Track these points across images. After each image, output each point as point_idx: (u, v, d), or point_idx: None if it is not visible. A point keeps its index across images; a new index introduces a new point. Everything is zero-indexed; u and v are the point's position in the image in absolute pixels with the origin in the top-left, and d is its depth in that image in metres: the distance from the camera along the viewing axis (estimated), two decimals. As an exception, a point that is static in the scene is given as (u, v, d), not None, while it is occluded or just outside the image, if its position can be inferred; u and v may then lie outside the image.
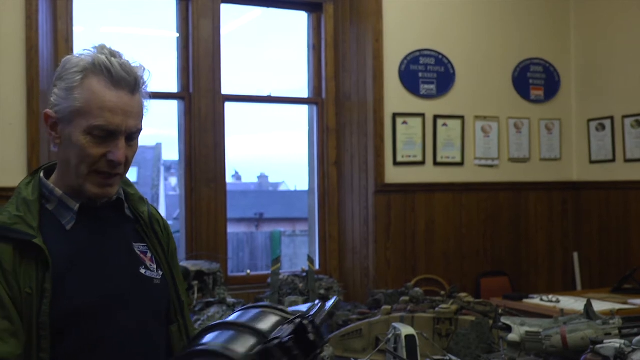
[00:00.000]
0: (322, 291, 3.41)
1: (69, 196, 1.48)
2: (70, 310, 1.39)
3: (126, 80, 1.45)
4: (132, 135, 1.47)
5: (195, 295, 3.25)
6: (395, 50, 4.33)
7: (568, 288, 4.73)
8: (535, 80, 4.77)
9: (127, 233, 1.55)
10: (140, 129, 1.49)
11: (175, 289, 1.59)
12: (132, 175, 20.53)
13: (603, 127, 4.65)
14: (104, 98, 1.43)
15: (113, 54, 1.47)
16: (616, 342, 1.79)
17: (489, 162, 4.61)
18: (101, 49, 1.48)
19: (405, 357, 2.00)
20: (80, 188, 1.47)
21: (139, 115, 1.49)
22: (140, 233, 1.58)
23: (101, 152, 1.44)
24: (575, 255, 4.81)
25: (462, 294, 2.91)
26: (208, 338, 1.27)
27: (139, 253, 1.55)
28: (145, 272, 1.53)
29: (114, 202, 1.55)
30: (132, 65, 1.47)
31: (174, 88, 4.20)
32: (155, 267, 1.56)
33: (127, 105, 1.45)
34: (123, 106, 1.45)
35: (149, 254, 1.56)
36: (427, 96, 4.43)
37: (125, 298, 1.47)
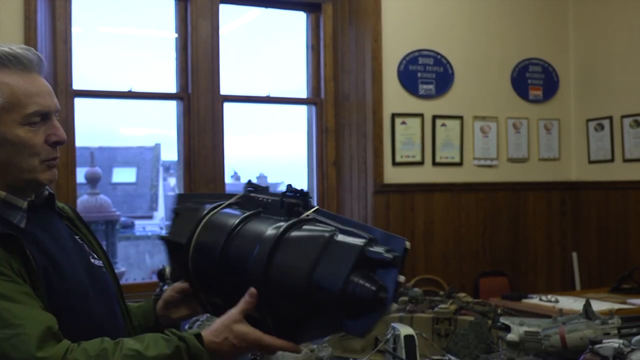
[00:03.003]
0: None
1: (14, 195, 1.42)
2: (64, 304, 1.38)
3: (33, 63, 1.43)
4: (57, 113, 1.47)
5: (194, 296, 3.25)
6: (394, 51, 4.33)
7: (567, 288, 4.73)
8: (534, 80, 4.77)
9: (63, 226, 1.55)
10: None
11: (114, 275, 1.62)
12: (130, 175, 20.56)
13: (602, 127, 4.65)
14: (26, 85, 1.40)
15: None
16: (615, 342, 1.79)
17: (488, 162, 4.61)
18: None
19: (404, 357, 2.00)
20: (29, 181, 1.43)
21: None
22: (70, 226, 1.58)
23: (42, 138, 1.42)
24: (574, 255, 4.81)
25: (461, 294, 2.90)
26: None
27: (82, 244, 1.56)
28: (95, 262, 1.55)
29: (46, 198, 1.53)
30: (27, 47, 1.45)
31: (172, 88, 4.20)
32: (96, 256, 1.58)
33: (45, 85, 1.45)
34: (43, 87, 1.44)
35: (85, 246, 1.57)
36: (426, 96, 4.43)
37: (94, 287, 1.48)
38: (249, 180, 1.50)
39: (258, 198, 1.46)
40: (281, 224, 1.35)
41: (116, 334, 1.48)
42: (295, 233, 1.32)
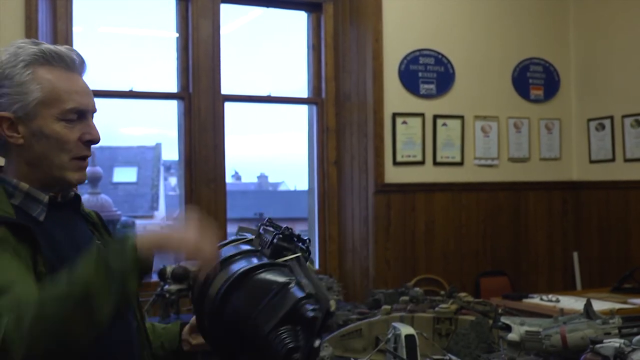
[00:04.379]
0: (322, 291, 3.40)
1: (37, 189, 1.44)
2: None
3: (76, 63, 1.46)
4: (93, 115, 1.49)
5: (195, 296, 3.25)
6: (394, 50, 4.33)
7: (568, 287, 4.73)
8: (535, 79, 4.77)
9: (86, 230, 1.55)
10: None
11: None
12: (131, 175, 20.60)
13: (603, 126, 4.65)
14: (67, 82, 1.43)
15: (42, 43, 1.45)
16: (616, 342, 1.79)
17: (489, 162, 4.61)
18: (32, 42, 1.45)
19: (405, 357, 2.00)
20: (59, 179, 1.45)
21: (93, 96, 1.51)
22: (93, 231, 1.58)
23: (76, 135, 1.44)
24: (575, 254, 4.81)
25: (462, 294, 2.90)
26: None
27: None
28: None
29: (71, 199, 1.53)
30: (70, 48, 1.48)
31: (173, 88, 4.21)
32: None
33: (85, 86, 1.48)
34: (84, 87, 1.47)
35: None
36: (427, 96, 4.43)
37: None
38: (268, 218, 1.47)
39: (264, 237, 1.43)
40: (245, 265, 1.34)
41: (124, 335, 1.48)
42: (260, 276, 1.31)
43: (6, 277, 1.24)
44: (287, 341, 1.21)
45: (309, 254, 1.39)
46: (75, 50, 1.48)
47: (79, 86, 1.46)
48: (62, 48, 1.46)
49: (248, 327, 1.27)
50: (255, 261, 1.36)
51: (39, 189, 1.44)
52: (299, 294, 1.24)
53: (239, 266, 1.35)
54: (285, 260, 1.34)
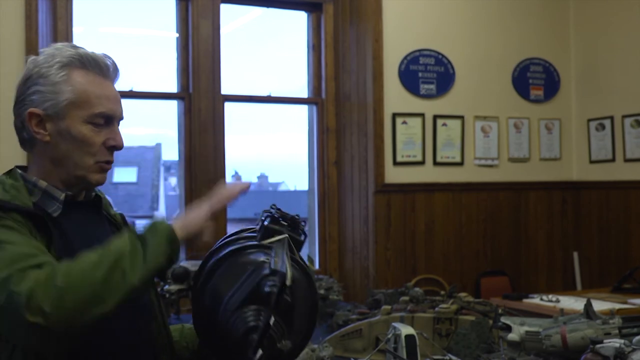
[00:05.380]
0: (322, 291, 3.41)
1: (55, 187, 1.47)
2: None
3: (109, 69, 1.50)
4: (119, 122, 1.52)
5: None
6: (394, 50, 4.34)
7: (568, 288, 4.73)
8: (535, 80, 4.77)
9: (106, 230, 1.56)
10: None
11: (153, 287, 1.59)
12: (131, 175, 20.58)
13: (603, 126, 4.65)
14: (98, 87, 1.47)
15: (80, 48, 1.50)
16: (616, 342, 1.79)
17: (489, 162, 4.61)
18: (70, 45, 1.51)
19: (405, 357, 2.00)
20: (80, 178, 1.47)
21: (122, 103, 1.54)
22: (115, 233, 1.57)
23: (101, 140, 1.47)
24: (575, 254, 4.81)
25: (462, 294, 2.90)
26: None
27: None
28: None
29: (92, 200, 1.55)
30: (106, 54, 1.53)
31: (173, 88, 4.21)
32: None
33: (115, 92, 1.52)
34: (114, 93, 1.51)
35: None
36: (427, 96, 4.43)
37: None
38: (273, 204, 1.46)
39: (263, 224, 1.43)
40: (229, 249, 1.38)
41: (132, 341, 1.47)
42: (241, 258, 1.35)
43: (31, 247, 1.29)
44: (248, 320, 1.22)
45: (305, 236, 1.41)
46: (110, 57, 1.52)
47: (110, 92, 1.49)
48: (98, 53, 1.50)
49: (223, 308, 1.28)
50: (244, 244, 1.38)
51: (59, 187, 1.47)
52: (265, 272, 1.25)
53: (230, 248, 1.38)
54: (271, 242, 1.35)
